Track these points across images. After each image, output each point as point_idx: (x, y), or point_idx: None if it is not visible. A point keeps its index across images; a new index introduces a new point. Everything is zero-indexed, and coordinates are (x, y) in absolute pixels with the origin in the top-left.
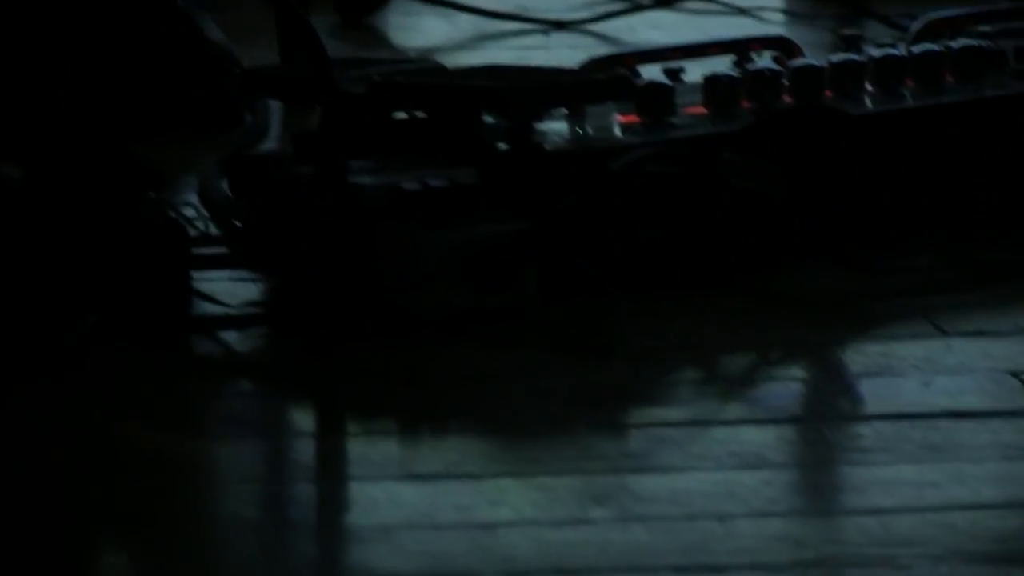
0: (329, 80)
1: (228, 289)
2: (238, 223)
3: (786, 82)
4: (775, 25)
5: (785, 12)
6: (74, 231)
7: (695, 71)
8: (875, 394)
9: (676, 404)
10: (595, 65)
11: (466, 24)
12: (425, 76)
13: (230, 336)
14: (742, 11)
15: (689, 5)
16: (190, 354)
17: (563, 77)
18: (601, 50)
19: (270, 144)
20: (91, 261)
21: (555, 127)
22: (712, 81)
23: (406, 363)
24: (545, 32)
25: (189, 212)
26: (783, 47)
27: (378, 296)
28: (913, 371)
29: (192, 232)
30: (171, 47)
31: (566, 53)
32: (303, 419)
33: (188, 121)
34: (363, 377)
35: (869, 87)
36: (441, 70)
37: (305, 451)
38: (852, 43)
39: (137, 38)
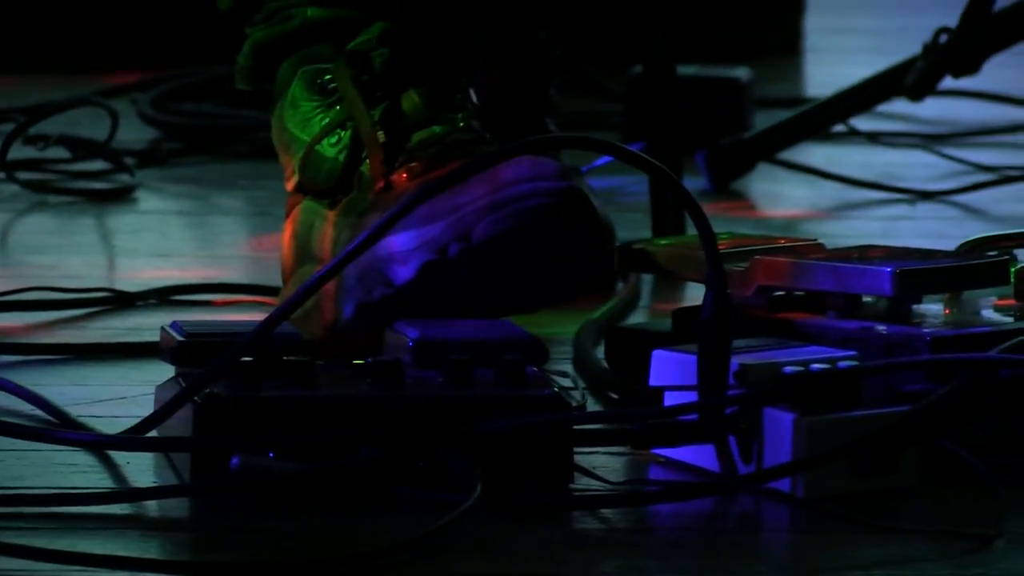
0: (716, 258)
1: (606, 463)
2: (614, 395)
3: None
4: None
5: None
6: (460, 404)
7: None
8: None
9: None
10: (970, 247)
11: (830, 192)
12: (801, 255)
13: (609, 512)
14: None
15: None
16: (570, 530)
17: (942, 260)
18: (967, 223)
19: (638, 318)
20: (474, 432)
21: (931, 309)
22: None
23: (791, 548)
24: (911, 202)
25: (564, 382)
26: None
27: (755, 478)
28: None
29: (571, 403)
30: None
31: (932, 224)
32: None
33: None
34: (744, 563)
35: None
36: (817, 247)
37: None
38: None
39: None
